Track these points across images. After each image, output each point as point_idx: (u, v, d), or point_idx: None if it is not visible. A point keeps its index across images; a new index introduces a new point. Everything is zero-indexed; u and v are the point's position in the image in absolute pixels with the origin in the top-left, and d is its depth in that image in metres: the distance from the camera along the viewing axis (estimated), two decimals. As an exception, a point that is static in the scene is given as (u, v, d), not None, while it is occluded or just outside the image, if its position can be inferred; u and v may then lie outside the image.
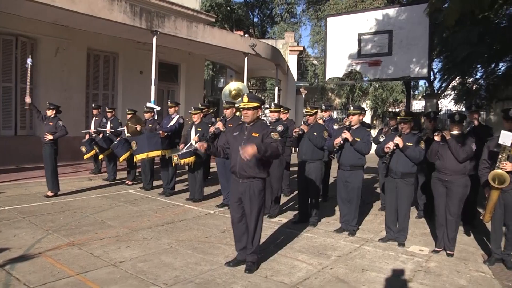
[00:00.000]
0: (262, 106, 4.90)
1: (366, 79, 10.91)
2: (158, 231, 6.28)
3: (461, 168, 5.48)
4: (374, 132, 10.09)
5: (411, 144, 5.74)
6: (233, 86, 8.80)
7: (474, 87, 15.64)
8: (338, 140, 6.24)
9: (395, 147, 5.75)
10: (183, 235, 6.11)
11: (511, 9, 10.76)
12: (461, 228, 6.65)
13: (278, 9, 28.17)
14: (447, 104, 22.27)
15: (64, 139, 8.74)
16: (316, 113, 6.97)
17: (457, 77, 17.21)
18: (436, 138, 5.67)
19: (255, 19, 33.71)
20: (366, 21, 10.54)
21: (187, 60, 17.25)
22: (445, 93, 21.48)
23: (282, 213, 7.65)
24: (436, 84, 22.05)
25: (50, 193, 8.32)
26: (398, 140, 5.71)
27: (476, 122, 7.27)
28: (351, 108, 6.40)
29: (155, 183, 9.72)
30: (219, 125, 7.68)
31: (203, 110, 9.26)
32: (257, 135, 4.63)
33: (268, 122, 7.45)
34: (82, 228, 6.25)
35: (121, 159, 9.74)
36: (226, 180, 7.72)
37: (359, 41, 10.67)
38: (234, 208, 4.86)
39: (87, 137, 10.81)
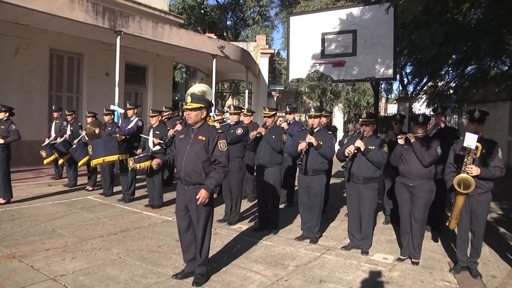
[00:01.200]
0: (216, 108, 4.64)
1: (330, 80, 10.54)
2: (109, 240, 5.92)
3: (426, 173, 5.27)
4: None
5: (373, 147, 5.49)
6: (197, 88, 8.45)
7: (446, 89, 15.66)
8: (303, 146, 5.86)
9: (356, 151, 5.49)
10: (134, 244, 5.75)
11: (478, 13, 10.69)
12: (428, 234, 6.47)
13: (250, 12, 27.87)
14: (420, 107, 22.32)
15: (25, 143, 8.29)
16: (274, 115, 6.69)
17: (428, 79, 17.22)
18: (400, 141, 5.45)
19: (229, 22, 33.49)
20: (330, 20, 10.20)
21: (155, 62, 16.84)
22: (418, 96, 21.51)
23: (243, 220, 7.31)
24: (410, 88, 22.12)
25: (2, 200, 7.89)
26: (359, 143, 5.45)
27: (442, 124, 7.08)
28: (312, 110, 6.06)
29: (116, 188, 9.31)
30: (179, 127, 7.36)
31: (167, 113, 8.95)
32: (203, 138, 4.32)
33: (228, 125, 7.18)
34: (29, 238, 5.85)
35: (79, 163, 9.36)
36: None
37: (323, 41, 10.31)
38: (180, 217, 4.51)
39: (46, 140, 10.37)
